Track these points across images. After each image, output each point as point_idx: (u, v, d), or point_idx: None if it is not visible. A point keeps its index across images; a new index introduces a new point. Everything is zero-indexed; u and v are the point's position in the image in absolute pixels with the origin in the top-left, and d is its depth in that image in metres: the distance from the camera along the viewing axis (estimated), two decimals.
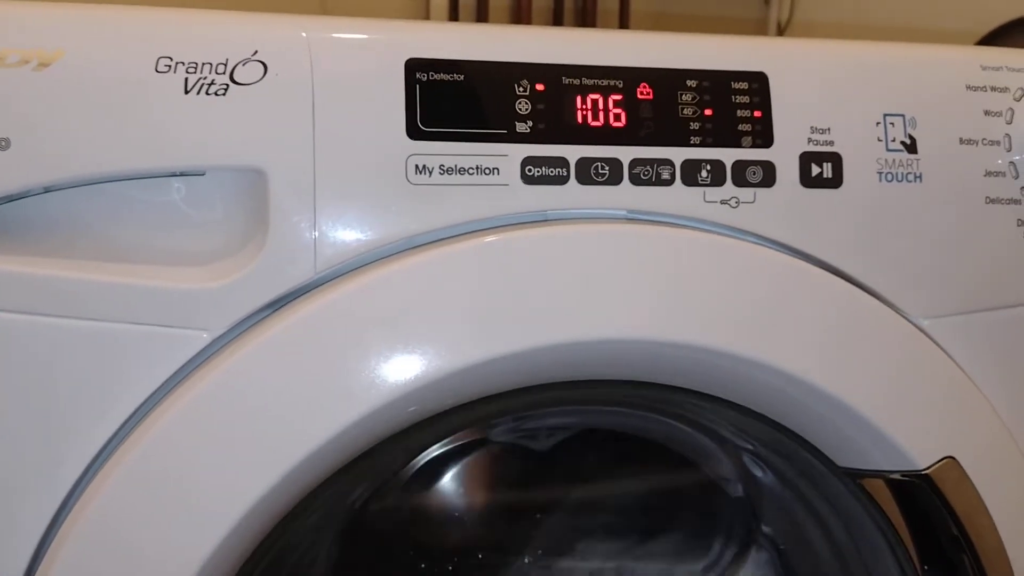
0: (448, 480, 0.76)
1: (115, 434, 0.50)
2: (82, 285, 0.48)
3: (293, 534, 0.58)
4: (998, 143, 0.60)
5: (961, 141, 0.60)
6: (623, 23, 1.58)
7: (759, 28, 1.68)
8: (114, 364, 0.49)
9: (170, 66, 0.49)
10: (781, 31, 1.65)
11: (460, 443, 0.71)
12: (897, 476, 0.59)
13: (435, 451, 0.70)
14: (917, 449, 0.58)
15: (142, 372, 0.49)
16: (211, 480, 0.48)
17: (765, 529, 0.79)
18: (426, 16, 1.52)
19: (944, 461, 0.58)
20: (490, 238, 0.52)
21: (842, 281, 0.57)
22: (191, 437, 0.48)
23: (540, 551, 0.81)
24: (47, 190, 0.49)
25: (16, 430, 0.48)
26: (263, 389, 0.49)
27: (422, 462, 0.70)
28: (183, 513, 0.48)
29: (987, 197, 0.60)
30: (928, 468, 0.58)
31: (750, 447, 0.69)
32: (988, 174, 0.60)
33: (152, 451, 0.48)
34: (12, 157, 0.48)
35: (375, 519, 0.75)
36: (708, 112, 0.56)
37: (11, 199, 0.49)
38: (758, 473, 0.72)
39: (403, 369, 0.49)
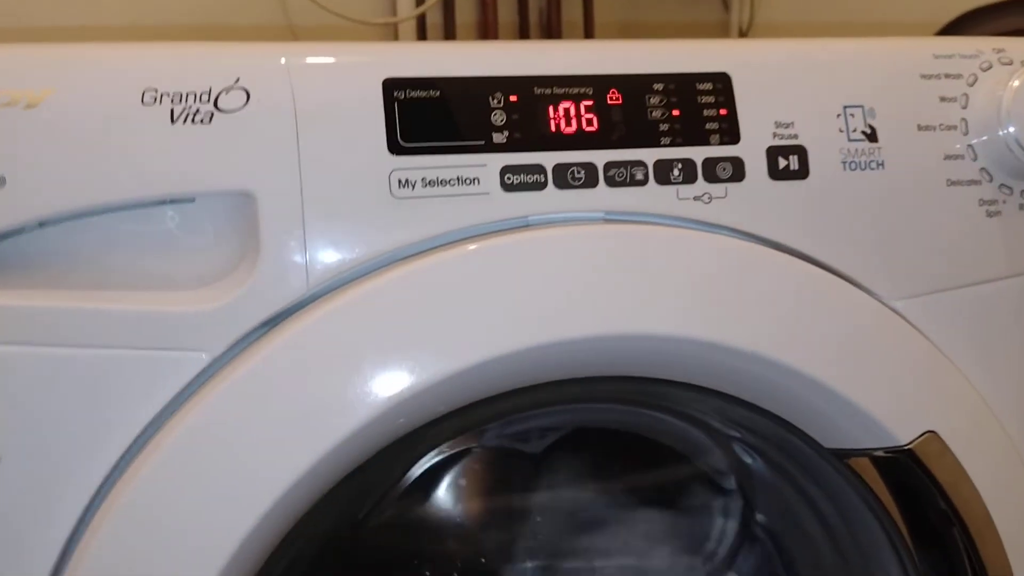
0: (444, 488, 0.77)
1: (121, 458, 0.51)
2: (81, 314, 0.50)
3: (297, 550, 0.59)
4: (955, 127, 0.62)
5: (919, 128, 0.62)
6: (588, 34, 1.60)
7: (721, 32, 1.71)
8: (115, 390, 0.50)
9: (155, 97, 0.51)
10: (743, 33, 1.68)
11: (454, 451, 0.72)
12: (881, 453, 0.61)
13: (430, 460, 0.72)
14: (898, 425, 0.60)
15: (143, 396, 0.50)
16: (222, 489, 0.50)
17: (759, 518, 0.80)
18: (395, 38, 1.54)
19: (925, 435, 0.60)
20: (473, 246, 0.54)
21: (815, 267, 0.59)
22: (200, 452, 0.49)
23: (540, 553, 0.82)
24: (42, 225, 0.51)
25: (17, 464, 0.49)
26: (265, 405, 0.50)
27: (418, 472, 0.72)
28: (198, 520, 0.49)
29: (948, 180, 0.62)
30: (910, 443, 0.60)
31: (738, 435, 0.70)
32: (948, 157, 0.62)
33: (165, 467, 0.49)
34: (7, 195, 0.49)
35: (375, 533, 0.76)
36: (676, 113, 0.58)
37: (7, 236, 0.50)
38: (748, 460, 0.74)
39: (399, 376, 0.51)
